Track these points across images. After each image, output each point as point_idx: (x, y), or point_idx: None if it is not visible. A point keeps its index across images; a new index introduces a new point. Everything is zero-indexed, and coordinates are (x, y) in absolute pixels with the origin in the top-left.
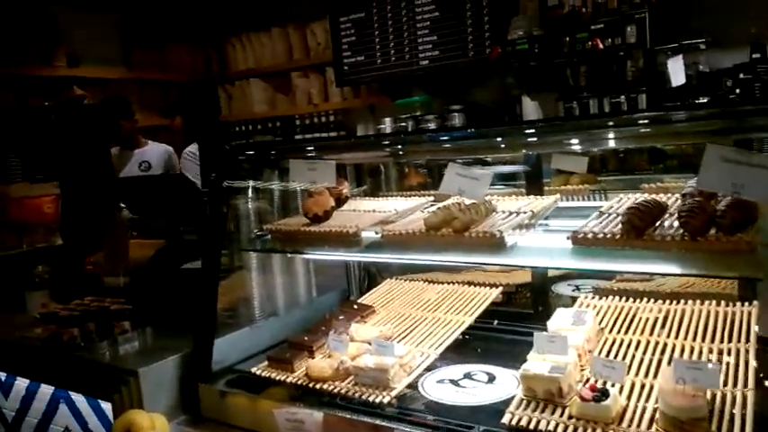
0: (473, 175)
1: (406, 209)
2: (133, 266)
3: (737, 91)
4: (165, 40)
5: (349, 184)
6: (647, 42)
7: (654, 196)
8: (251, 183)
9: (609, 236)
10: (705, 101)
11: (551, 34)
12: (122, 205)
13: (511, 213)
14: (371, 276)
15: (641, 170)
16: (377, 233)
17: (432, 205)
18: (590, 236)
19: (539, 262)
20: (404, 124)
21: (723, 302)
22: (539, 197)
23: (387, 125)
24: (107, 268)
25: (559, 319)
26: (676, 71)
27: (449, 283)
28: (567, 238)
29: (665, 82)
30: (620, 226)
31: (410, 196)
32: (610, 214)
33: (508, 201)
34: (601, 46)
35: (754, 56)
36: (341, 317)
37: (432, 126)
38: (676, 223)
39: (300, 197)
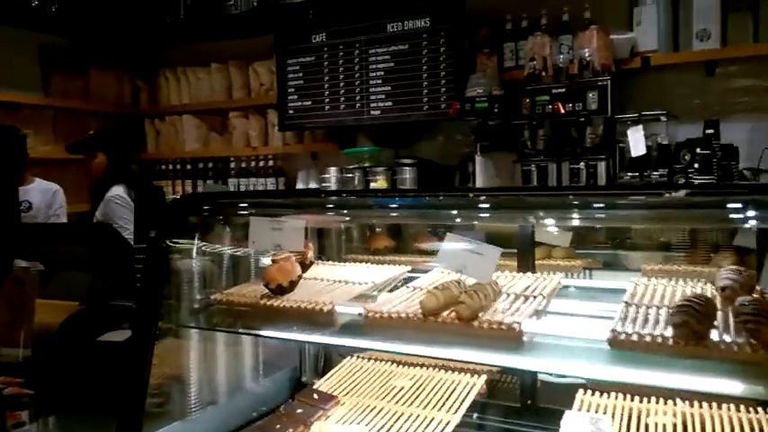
0: (478, 251)
1: (383, 281)
2: (37, 335)
3: (696, 165)
4: (90, 65)
5: (313, 247)
6: (609, 110)
7: (669, 284)
8: (196, 241)
9: (660, 341)
10: (664, 173)
11: (511, 95)
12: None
13: (518, 296)
14: (326, 352)
15: (617, 246)
16: (360, 314)
17: (408, 279)
18: (635, 338)
19: (572, 369)
20: (350, 175)
21: (747, 407)
22: (535, 274)
23: (331, 174)
24: (2, 337)
25: (573, 429)
26: (637, 141)
27: (420, 366)
28: (607, 341)
29: (623, 151)
30: (667, 327)
31: (381, 263)
32: (642, 307)
33: (502, 278)
34: (562, 110)
35: (707, 131)
36: (299, 410)
37: (379, 179)
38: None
39: (253, 259)
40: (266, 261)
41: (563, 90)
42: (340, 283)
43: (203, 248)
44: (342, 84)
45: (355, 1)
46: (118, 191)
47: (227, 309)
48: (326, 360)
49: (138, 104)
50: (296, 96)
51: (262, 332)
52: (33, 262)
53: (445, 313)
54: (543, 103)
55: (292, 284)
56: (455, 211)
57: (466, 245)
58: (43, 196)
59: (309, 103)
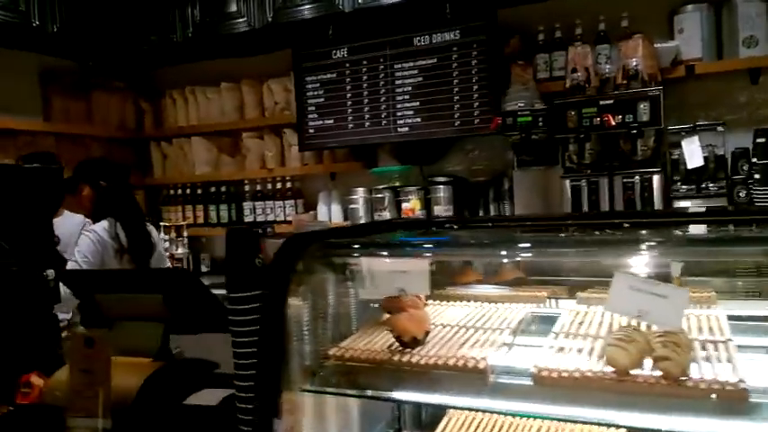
0: (662, 293)
1: (517, 324)
2: (114, 401)
3: (756, 176)
4: (92, 87)
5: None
6: (661, 121)
7: None
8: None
9: None
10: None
11: (556, 107)
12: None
13: (706, 343)
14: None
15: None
16: (527, 374)
17: (534, 315)
18: None
19: None
20: (380, 195)
21: None
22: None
23: (359, 195)
24: (75, 406)
25: None
26: (693, 153)
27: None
28: None
29: (677, 163)
30: None
31: (478, 298)
32: None
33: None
34: (612, 122)
35: (758, 140)
36: None
37: (412, 198)
38: None
39: (356, 307)
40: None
41: (611, 102)
42: (465, 329)
43: (306, 295)
44: (366, 101)
45: (378, 16)
46: (100, 227)
47: (349, 366)
48: (428, 412)
49: (142, 127)
50: (316, 115)
51: (403, 395)
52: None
53: (642, 371)
54: (590, 116)
55: (426, 336)
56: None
57: (645, 285)
58: (73, 229)
59: (331, 121)
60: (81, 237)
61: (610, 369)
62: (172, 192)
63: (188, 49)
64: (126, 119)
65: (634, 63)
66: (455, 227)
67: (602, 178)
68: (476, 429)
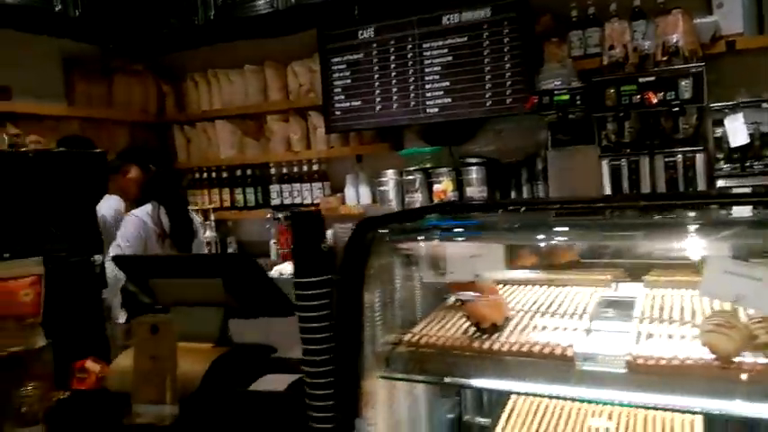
0: (760, 276)
1: (593, 309)
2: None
3: None
4: (114, 71)
5: None
6: (704, 98)
7: None
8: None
9: None
10: None
11: (594, 85)
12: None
13: None
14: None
15: None
16: (619, 361)
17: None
18: None
19: None
20: (411, 177)
21: None
22: None
23: (389, 177)
24: (141, 394)
25: None
26: (736, 130)
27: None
28: None
29: (719, 141)
30: None
31: (539, 282)
32: None
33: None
34: (654, 100)
35: None
36: None
37: (443, 180)
38: None
39: (419, 291)
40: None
41: (652, 79)
42: (540, 314)
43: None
44: (394, 81)
45: None
46: (145, 210)
47: (424, 352)
48: (491, 398)
49: (164, 111)
50: (343, 97)
51: (486, 383)
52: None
53: (744, 358)
54: (630, 93)
55: (506, 322)
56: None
57: (743, 269)
58: (106, 211)
59: (358, 103)
60: (125, 220)
61: (710, 356)
62: (197, 175)
63: (210, 31)
64: (148, 103)
65: (674, 39)
66: (521, 209)
67: (642, 158)
68: (542, 415)
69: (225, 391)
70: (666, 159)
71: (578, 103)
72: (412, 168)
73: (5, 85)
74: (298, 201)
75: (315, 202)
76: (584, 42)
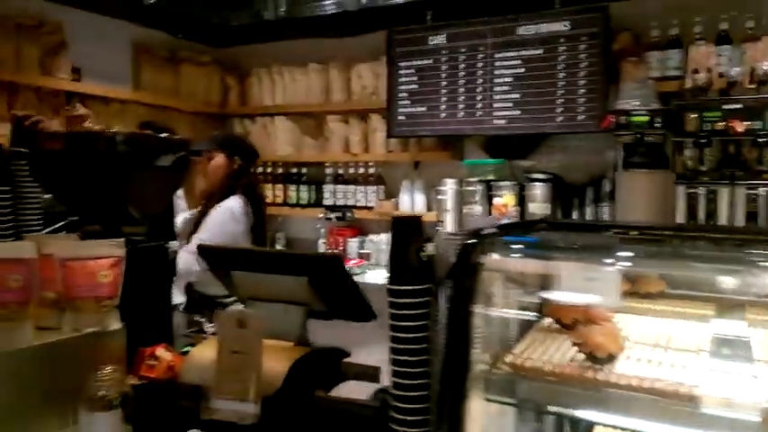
0: None
1: (709, 346)
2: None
3: None
4: (181, 60)
5: None
6: None
7: None
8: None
9: None
10: None
11: (675, 109)
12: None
13: None
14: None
15: None
16: (751, 408)
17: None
18: None
19: None
20: (471, 188)
21: None
22: None
23: (448, 187)
24: (223, 389)
25: None
26: None
27: None
28: None
29: None
30: None
31: (656, 313)
32: None
33: None
34: (739, 129)
35: None
36: None
37: (505, 194)
38: None
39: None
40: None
41: (738, 106)
42: (651, 346)
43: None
44: (462, 90)
45: (481, 2)
46: (236, 203)
47: (526, 376)
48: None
49: (226, 104)
50: (408, 102)
51: (598, 417)
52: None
53: None
54: (713, 120)
55: (621, 352)
56: None
57: None
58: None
59: (423, 109)
60: (219, 212)
61: None
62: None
63: (278, 27)
64: (211, 94)
65: (764, 67)
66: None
67: (721, 187)
68: None
69: (305, 394)
70: (748, 191)
71: (657, 125)
72: (473, 179)
73: (76, 66)
74: (351, 202)
75: (368, 205)
76: (664, 64)
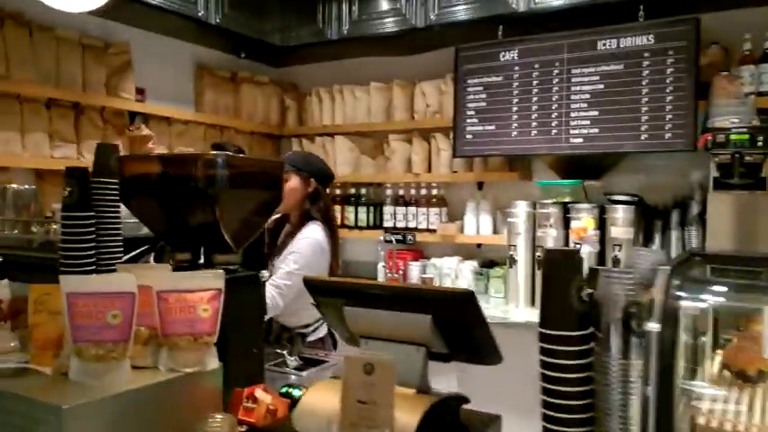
0: None
1: None
2: None
3: None
4: (241, 80)
5: None
6: None
7: None
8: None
9: None
10: None
11: None
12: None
13: None
14: None
15: None
16: None
17: None
18: None
19: None
20: (546, 211)
21: None
22: None
23: (521, 209)
24: None
25: None
26: None
27: None
28: None
29: None
30: None
31: None
32: None
33: None
34: None
35: None
36: None
37: (583, 217)
38: None
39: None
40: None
41: None
42: None
43: None
44: (535, 107)
45: (556, 16)
46: (320, 234)
47: None
48: None
49: (284, 123)
50: (476, 120)
51: None
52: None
53: None
54: None
55: None
56: None
57: None
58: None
59: (492, 127)
60: (307, 245)
61: None
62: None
63: (342, 46)
64: (270, 114)
65: None
66: None
67: None
68: None
69: None
70: None
71: (760, 144)
72: (548, 201)
73: (140, 87)
74: (412, 225)
75: (431, 227)
76: (758, 78)
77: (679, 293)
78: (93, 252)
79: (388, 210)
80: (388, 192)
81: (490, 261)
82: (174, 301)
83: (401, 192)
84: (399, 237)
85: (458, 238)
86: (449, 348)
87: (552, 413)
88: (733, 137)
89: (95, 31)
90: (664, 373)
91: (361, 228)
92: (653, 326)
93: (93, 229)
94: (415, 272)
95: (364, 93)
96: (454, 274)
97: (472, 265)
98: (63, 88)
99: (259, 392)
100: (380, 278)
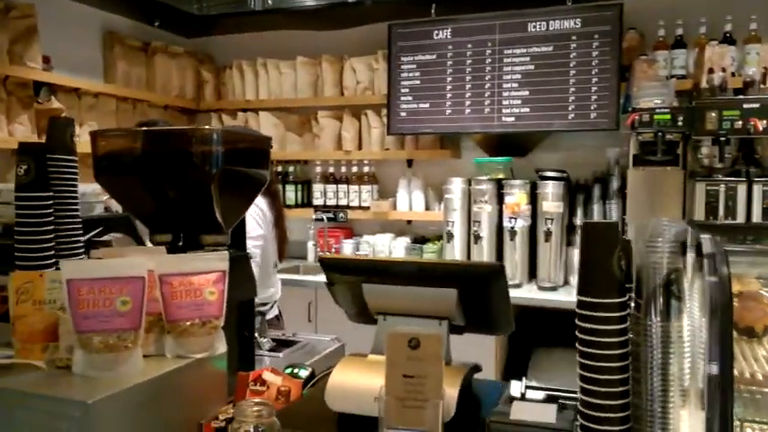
0: None
1: None
2: None
3: None
4: (154, 52)
5: None
6: None
7: None
8: None
9: None
10: None
11: (695, 107)
12: None
13: None
14: None
15: None
16: None
17: None
18: None
19: None
20: (481, 187)
21: None
22: None
23: (455, 185)
24: (403, 418)
25: None
26: None
27: None
28: None
29: None
30: None
31: None
32: None
33: None
34: (759, 128)
35: None
36: None
37: (516, 193)
38: None
39: None
40: None
41: (757, 105)
42: None
43: None
44: (468, 86)
45: None
46: (261, 201)
47: None
48: None
49: (202, 98)
50: (410, 98)
51: None
52: None
53: None
54: (732, 119)
55: None
56: None
57: None
58: None
59: (427, 105)
60: (250, 214)
61: None
62: None
63: (266, 18)
64: (186, 87)
65: None
66: None
67: (740, 185)
68: None
69: (474, 418)
70: (765, 188)
71: (680, 123)
72: (483, 177)
73: (46, 55)
74: (343, 202)
75: (363, 204)
76: (671, 63)
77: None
78: (52, 236)
79: (317, 187)
80: (318, 169)
81: (422, 237)
82: (179, 285)
83: (331, 169)
84: (331, 215)
85: (391, 215)
86: (466, 320)
87: (593, 375)
88: (657, 116)
89: None
90: (723, 319)
91: (289, 206)
92: (711, 279)
93: (51, 210)
94: (348, 249)
95: (290, 67)
96: (388, 250)
97: (405, 241)
98: None
99: (267, 375)
100: (310, 257)
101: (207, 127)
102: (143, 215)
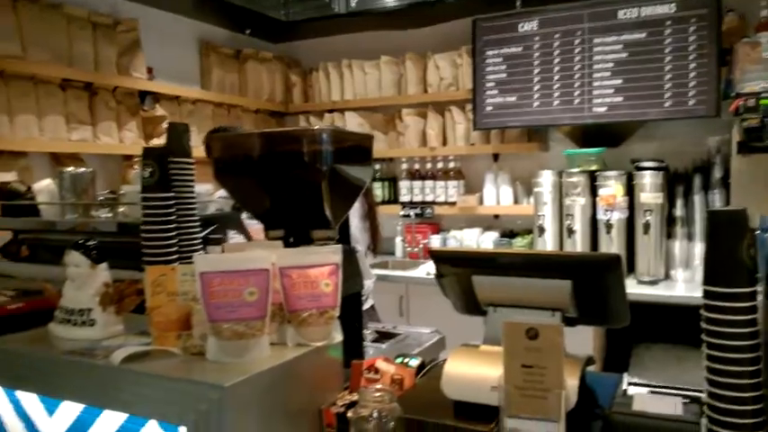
0: None
1: None
2: None
3: None
4: (246, 59)
5: None
6: None
7: None
8: None
9: None
10: None
11: None
12: None
13: None
14: None
15: None
16: None
17: None
18: None
19: None
20: (573, 179)
21: None
22: None
23: (544, 178)
24: (524, 407)
25: None
26: None
27: None
28: None
29: None
30: None
31: None
32: None
33: None
34: None
35: None
36: None
37: (611, 185)
38: None
39: None
40: None
41: None
42: None
43: None
44: (556, 77)
45: None
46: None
47: None
48: None
49: (291, 100)
50: (496, 92)
51: None
52: None
53: None
54: None
55: None
56: None
57: None
58: None
59: (514, 99)
60: None
61: None
62: None
63: (349, 20)
64: (275, 91)
65: None
66: None
67: None
68: None
69: (593, 409)
70: None
71: None
72: (575, 170)
73: (148, 66)
74: (429, 198)
75: (449, 200)
76: None
77: None
78: (175, 233)
79: (403, 184)
80: (404, 166)
81: (510, 231)
82: (298, 277)
83: (416, 166)
84: (418, 211)
85: (478, 210)
86: (579, 312)
87: (722, 367)
88: (762, 101)
89: (104, 8)
90: None
91: (376, 203)
92: None
93: (174, 209)
94: (436, 244)
95: (374, 67)
96: (476, 245)
97: (493, 235)
98: (76, 68)
99: (381, 363)
100: (398, 253)
101: (317, 127)
102: (258, 212)
